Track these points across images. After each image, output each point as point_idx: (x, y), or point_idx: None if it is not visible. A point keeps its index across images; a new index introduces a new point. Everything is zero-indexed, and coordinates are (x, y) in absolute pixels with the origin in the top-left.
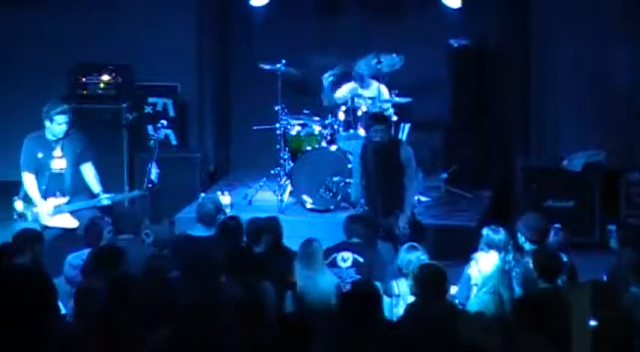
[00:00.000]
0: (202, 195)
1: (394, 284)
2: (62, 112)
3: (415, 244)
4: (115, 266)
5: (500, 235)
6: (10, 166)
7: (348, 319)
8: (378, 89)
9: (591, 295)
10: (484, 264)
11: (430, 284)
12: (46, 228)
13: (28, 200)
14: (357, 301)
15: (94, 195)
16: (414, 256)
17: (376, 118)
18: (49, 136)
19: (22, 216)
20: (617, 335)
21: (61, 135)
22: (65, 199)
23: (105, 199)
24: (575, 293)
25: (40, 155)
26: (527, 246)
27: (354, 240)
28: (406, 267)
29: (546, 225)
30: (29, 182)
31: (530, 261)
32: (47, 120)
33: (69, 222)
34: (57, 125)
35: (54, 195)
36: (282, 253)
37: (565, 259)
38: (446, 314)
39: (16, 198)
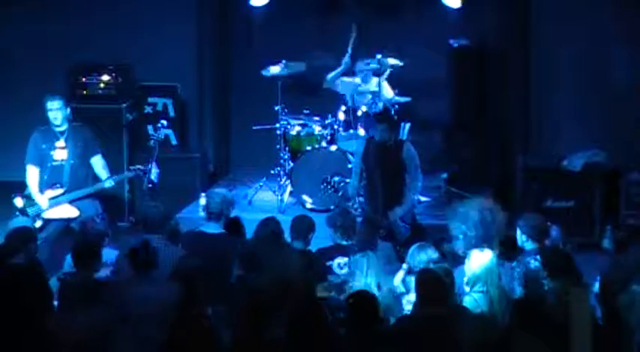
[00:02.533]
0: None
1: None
2: (52, 99)
3: (425, 243)
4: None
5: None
6: (11, 166)
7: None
8: (378, 84)
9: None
10: (474, 262)
11: (428, 291)
12: (48, 220)
13: (28, 196)
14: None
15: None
16: (424, 256)
17: (377, 117)
18: (53, 127)
19: (23, 212)
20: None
21: (58, 123)
22: (61, 190)
23: (108, 181)
24: (575, 293)
25: (43, 146)
26: (529, 246)
27: (346, 242)
28: (419, 267)
29: (546, 223)
30: (31, 175)
31: (532, 261)
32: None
33: (68, 212)
34: (50, 112)
35: (52, 186)
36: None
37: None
38: (445, 321)
39: (15, 195)
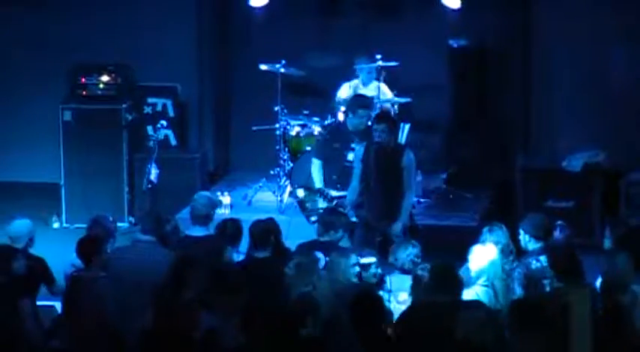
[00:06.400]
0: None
1: (388, 279)
2: (364, 107)
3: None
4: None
5: (494, 236)
6: (11, 167)
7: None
8: (378, 88)
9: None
10: (479, 256)
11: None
12: None
13: (311, 189)
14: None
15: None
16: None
17: (377, 118)
18: (350, 127)
19: (301, 204)
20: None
21: (360, 128)
22: (339, 193)
23: None
24: (575, 294)
25: (336, 145)
26: (532, 245)
27: (325, 238)
28: (409, 264)
29: (550, 223)
30: (318, 169)
31: (533, 261)
32: (350, 112)
33: None
34: (358, 118)
35: (339, 186)
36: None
37: None
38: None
39: (298, 186)
